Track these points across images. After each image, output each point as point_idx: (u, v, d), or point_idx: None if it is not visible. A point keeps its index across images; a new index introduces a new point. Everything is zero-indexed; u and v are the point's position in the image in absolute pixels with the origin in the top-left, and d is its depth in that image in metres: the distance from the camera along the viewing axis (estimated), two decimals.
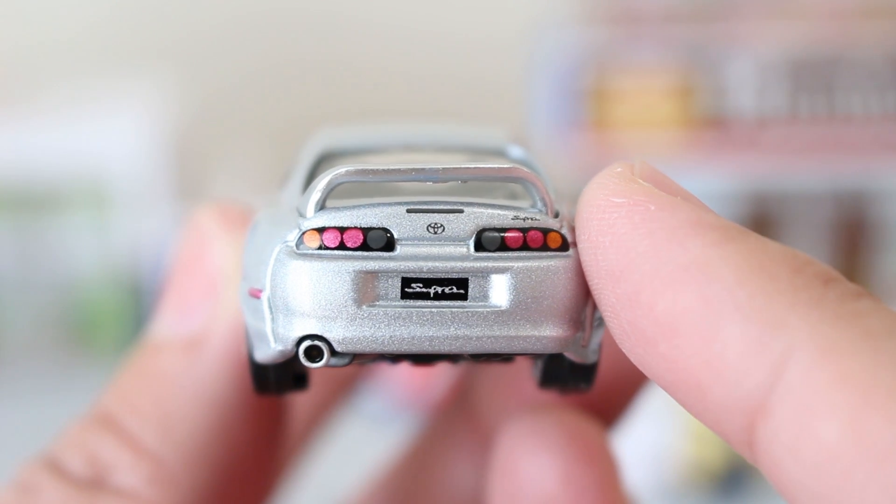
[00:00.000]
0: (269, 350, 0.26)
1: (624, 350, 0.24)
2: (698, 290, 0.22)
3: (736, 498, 1.00)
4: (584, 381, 0.28)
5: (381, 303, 0.25)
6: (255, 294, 0.26)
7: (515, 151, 0.31)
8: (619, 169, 0.25)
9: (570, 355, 0.26)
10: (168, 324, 0.31)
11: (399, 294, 0.25)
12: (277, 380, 0.28)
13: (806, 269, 0.22)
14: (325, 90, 1.36)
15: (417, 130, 0.32)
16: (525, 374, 0.33)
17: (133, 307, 1.16)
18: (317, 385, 0.39)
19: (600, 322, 0.26)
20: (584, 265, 0.25)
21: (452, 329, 0.25)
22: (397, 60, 1.36)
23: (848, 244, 1.21)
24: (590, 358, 0.27)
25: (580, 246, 0.25)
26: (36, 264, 1.16)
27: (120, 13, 1.36)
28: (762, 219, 1.20)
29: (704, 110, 1.17)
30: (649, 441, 0.98)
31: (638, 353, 0.23)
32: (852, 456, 0.20)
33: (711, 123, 1.16)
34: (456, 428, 0.37)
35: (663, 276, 0.22)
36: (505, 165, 0.26)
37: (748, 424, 0.21)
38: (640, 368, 0.24)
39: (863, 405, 0.20)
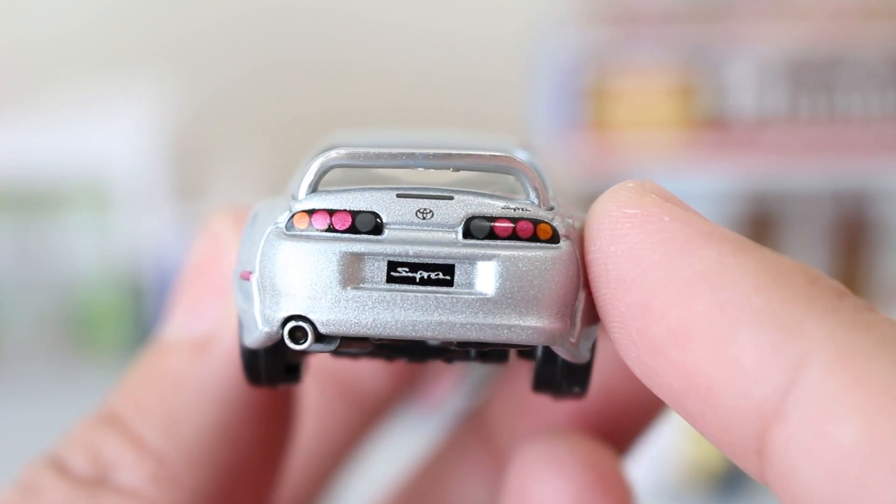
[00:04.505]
0: (256, 333, 0.26)
1: (628, 361, 0.24)
2: (713, 297, 0.22)
3: (736, 498, 1.00)
4: (578, 384, 0.28)
5: (366, 286, 0.25)
6: (246, 276, 0.26)
7: (521, 155, 0.31)
8: (630, 184, 0.25)
9: (560, 352, 0.26)
10: (179, 325, 0.31)
11: (385, 278, 0.25)
12: (268, 369, 0.28)
13: (820, 282, 0.22)
14: (325, 90, 1.36)
15: (426, 135, 0.32)
16: (541, 398, 0.33)
17: (133, 307, 1.16)
18: (349, 410, 0.39)
19: (591, 320, 0.26)
20: (593, 276, 0.25)
21: (437, 315, 0.25)
22: (397, 60, 1.36)
23: (848, 244, 1.21)
24: (582, 356, 0.26)
25: (590, 258, 0.25)
26: (36, 264, 1.16)
27: (120, 13, 1.36)
28: (762, 219, 1.20)
29: (704, 110, 1.17)
30: (649, 441, 0.98)
31: (645, 363, 0.23)
32: (869, 459, 0.19)
33: (711, 123, 1.16)
34: (470, 445, 0.37)
35: (677, 284, 0.22)
36: (497, 154, 0.26)
37: (760, 430, 0.21)
38: (645, 379, 0.24)
39: (881, 408, 0.20)
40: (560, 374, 0.27)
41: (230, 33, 1.37)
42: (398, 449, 0.42)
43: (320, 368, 0.38)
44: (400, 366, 0.38)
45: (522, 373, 0.34)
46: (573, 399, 0.29)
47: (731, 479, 1.00)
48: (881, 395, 0.20)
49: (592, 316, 0.26)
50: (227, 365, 0.30)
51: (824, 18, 1.17)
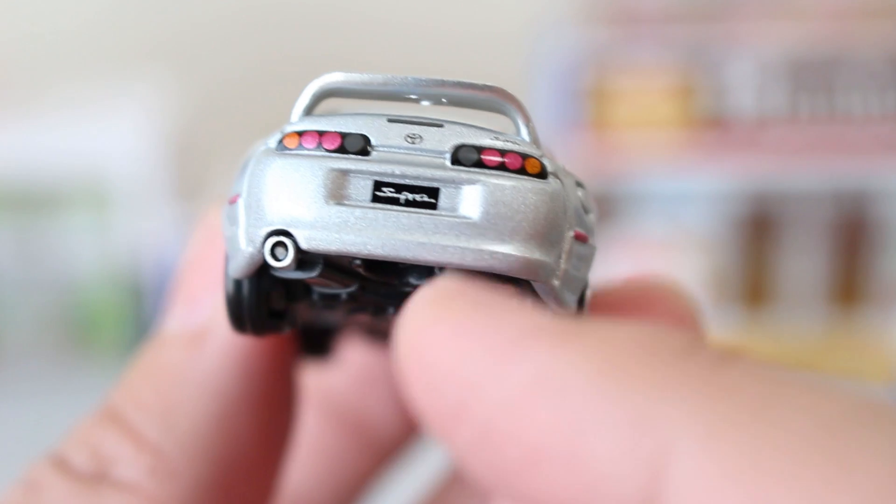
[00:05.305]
0: (240, 256, 0.26)
1: (487, 487, 0.21)
2: (553, 406, 0.20)
3: None
4: None
5: (350, 202, 0.25)
6: (233, 200, 0.26)
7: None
8: (431, 293, 0.22)
9: (543, 292, 0.25)
10: (175, 319, 0.31)
11: (370, 197, 0.25)
12: (251, 309, 0.27)
13: (662, 345, 0.20)
14: None
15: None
16: None
17: (133, 307, 1.16)
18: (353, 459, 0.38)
19: (579, 266, 0.26)
20: (421, 410, 0.22)
21: (419, 235, 0.24)
22: (397, 59, 1.36)
23: (848, 244, 1.21)
24: (568, 303, 0.26)
25: (411, 386, 0.22)
26: (36, 264, 1.16)
27: (120, 13, 1.36)
28: (762, 219, 1.20)
29: (704, 110, 1.17)
30: None
31: (505, 488, 0.21)
32: None
33: (711, 123, 1.16)
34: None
35: (513, 400, 0.20)
36: (491, 85, 0.26)
37: None
38: (510, 501, 0.21)
39: (759, 496, 0.18)
40: None
41: (230, 33, 1.37)
42: (404, 478, 0.41)
43: (335, 408, 0.38)
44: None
45: None
46: None
47: None
48: (757, 481, 0.18)
49: (580, 263, 0.26)
50: (224, 357, 0.30)
51: (824, 18, 1.17)
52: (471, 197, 0.25)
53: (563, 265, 0.25)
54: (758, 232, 1.20)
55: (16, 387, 1.13)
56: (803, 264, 1.19)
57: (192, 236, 0.32)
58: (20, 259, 1.16)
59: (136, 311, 1.16)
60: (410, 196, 0.25)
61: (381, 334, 0.34)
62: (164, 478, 0.29)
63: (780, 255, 1.20)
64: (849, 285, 1.21)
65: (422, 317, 0.22)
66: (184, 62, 1.32)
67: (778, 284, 1.20)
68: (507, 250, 0.25)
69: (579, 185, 0.27)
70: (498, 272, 0.25)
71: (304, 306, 0.28)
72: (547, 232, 0.25)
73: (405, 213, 0.25)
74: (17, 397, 1.11)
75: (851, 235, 1.21)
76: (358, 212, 0.25)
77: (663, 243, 1.13)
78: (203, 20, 1.36)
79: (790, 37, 1.17)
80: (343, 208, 0.25)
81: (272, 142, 0.26)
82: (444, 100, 0.26)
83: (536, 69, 1.18)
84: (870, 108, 1.16)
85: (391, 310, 0.28)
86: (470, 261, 0.25)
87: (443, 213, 0.25)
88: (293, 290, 0.27)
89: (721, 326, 1.13)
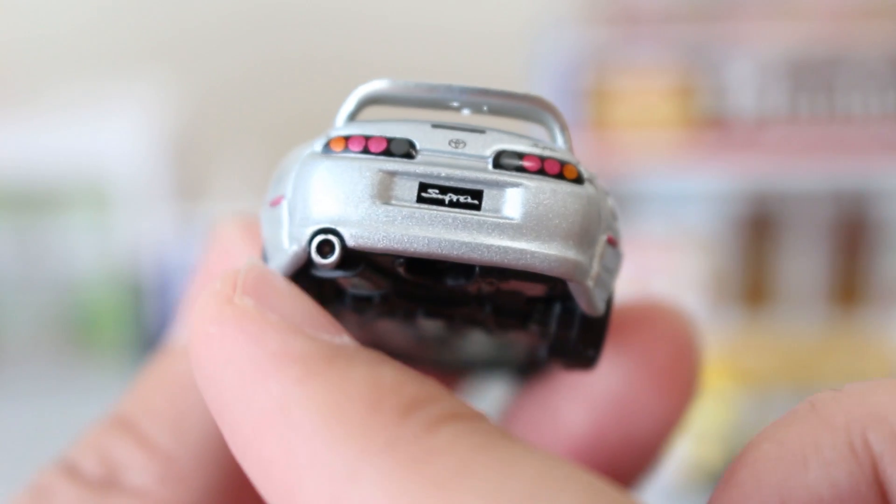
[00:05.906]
0: (282, 256, 0.27)
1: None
2: (280, 439, 0.20)
3: None
4: (592, 344, 0.28)
5: (396, 202, 0.26)
6: (276, 202, 0.27)
7: None
8: (218, 286, 0.23)
9: (576, 292, 0.27)
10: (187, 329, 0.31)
11: (415, 198, 0.26)
12: None
13: (384, 403, 0.20)
14: (325, 88, 1.36)
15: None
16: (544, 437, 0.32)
17: (133, 307, 1.16)
18: None
19: (609, 269, 0.27)
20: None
21: (463, 234, 0.26)
22: (397, 58, 1.36)
23: (848, 244, 1.21)
24: (597, 307, 0.27)
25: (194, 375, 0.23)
26: (36, 264, 1.16)
27: (119, 13, 1.36)
28: (762, 219, 1.20)
29: (704, 110, 1.17)
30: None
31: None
32: None
33: (711, 123, 1.16)
34: None
35: (250, 421, 0.21)
36: (533, 95, 0.27)
37: None
38: None
39: None
40: (577, 330, 0.28)
41: (230, 33, 1.37)
42: None
43: None
44: None
45: (530, 425, 0.34)
46: (584, 367, 0.29)
47: None
48: None
49: (611, 267, 0.27)
50: None
51: (824, 18, 1.17)
52: (513, 199, 0.26)
53: (596, 267, 0.27)
54: (758, 232, 1.20)
55: (15, 387, 1.13)
56: (803, 264, 1.19)
57: (204, 250, 0.32)
58: (20, 259, 1.16)
59: (136, 311, 1.16)
60: (455, 197, 0.26)
61: (399, 354, 0.34)
62: (174, 484, 0.29)
63: (780, 255, 1.20)
64: (849, 285, 1.21)
65: (203, 310, 0.22)
66: (184, 62, 1.32)
67: (778, 284, 1.20)
68: (546, 250, 0.26)
69: (607, 193, 0.28)
70: (537, 271, 0.26)
71: (332, 311, 0.29)
72: (583, 234, 0.26)
73: (450, 214, 0.26)
74: (16, 397, 1.11)
75: (851, 235, 1.21)
76: (405, 211, 0.26)
77: (663, 243, 1.13)
78: (203, 20, 1.36)
79: (790, 37, 1.17)
80: (390, 208, 0.26)
81: (317, 146, 0.27)
82: (485, 108, 0.28)
83: (536, 69, 1.18)
84: (870, 108, 1.16)
85: (421, 313, 0.29)
86: (511, 259, 0.26)
87: (486, 213, 0.26)
88: (325, 293, 0.28)
89: (721, 326, 1.13)
